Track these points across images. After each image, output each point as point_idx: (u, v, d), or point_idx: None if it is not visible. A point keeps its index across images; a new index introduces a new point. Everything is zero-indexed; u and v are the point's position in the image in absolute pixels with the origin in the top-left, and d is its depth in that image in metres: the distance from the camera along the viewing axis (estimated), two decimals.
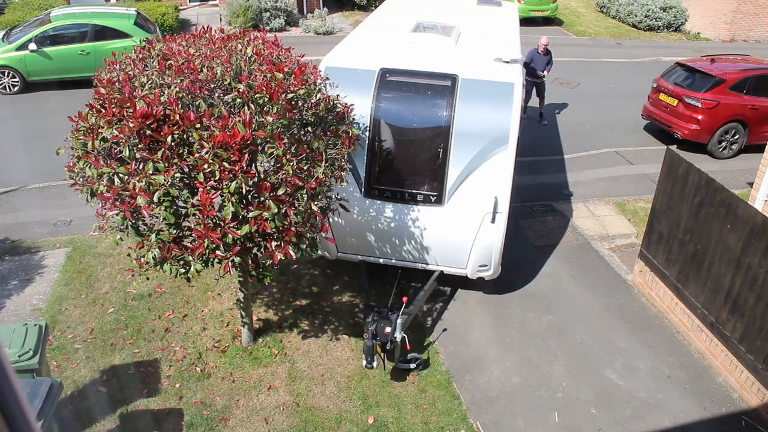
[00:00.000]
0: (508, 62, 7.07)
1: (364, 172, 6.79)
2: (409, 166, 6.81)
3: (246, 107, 4.84)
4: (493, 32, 8.66)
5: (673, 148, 10.34)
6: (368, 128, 6.70)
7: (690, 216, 6.88)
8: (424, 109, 6.72)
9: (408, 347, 6.23)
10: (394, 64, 6.92)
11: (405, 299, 6.50)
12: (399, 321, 6.13)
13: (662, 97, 12.20)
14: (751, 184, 9.16)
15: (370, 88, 6.73)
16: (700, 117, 11.52)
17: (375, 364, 6.13)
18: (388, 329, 6.14)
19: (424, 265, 7.17)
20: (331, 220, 6.55)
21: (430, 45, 7.60)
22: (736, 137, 11.84)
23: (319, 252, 6.84)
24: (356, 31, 8.57)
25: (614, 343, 7.00)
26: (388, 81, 6.79)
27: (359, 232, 7.00)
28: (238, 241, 4.65)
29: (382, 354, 6.30)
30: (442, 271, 7.20)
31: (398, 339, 6.11)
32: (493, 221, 6.66)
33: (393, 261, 7.22)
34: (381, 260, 7.23)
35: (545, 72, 12.53)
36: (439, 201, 6.74)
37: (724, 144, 11.89)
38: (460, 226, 6.77)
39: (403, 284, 7.66)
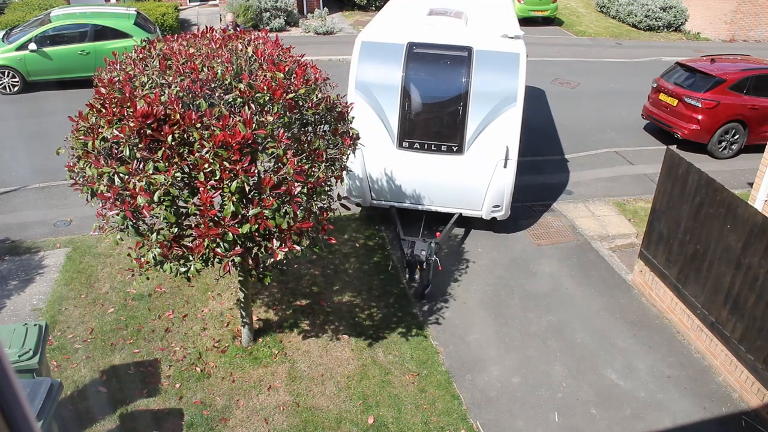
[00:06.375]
0: (512, 38, 8.37)
1: (397, 128, 8.08)
2: (435, 121, 8.20)
3: (246, 107, 4.84)
4: (494, 17, 9.96)
5: (673, 148, 10.34)
6: (399, 91, 7.99)
7: (690, 216, 6.88)
8: (446, 75, 8.09)
9: (440, 268, 7.54)
10: (418, 40, 8.20)
11: (438, 234, 7.90)
12: (432, 245, 7.37)
13: (662, 97, 12.20)
14: (751, 184, 9.16)
15: (400, 59, 8.05)
16: (700, 117, 11.51)
17: (417, 277, 7.39)
18: (424, 252, 7.31)
19: (446, 209, 8.44)
20: (367, 172, 8.25)
21: (445, 25, 8.77)
22: (736, 137, 11.84)
23: (353, 200, 8.18)
24: (377, 17, 9.78)
25: (614, 343, 7.00)
26: (415, 52, 8.10)
27: (392, 180, 8.32)
28: (239, 240, 4.64)
29: (417, 272, 7.38)
30: (460, 214, 8.45)
31: (432, 260, 7.30)
32: (505, 167, 8.02)
33: (420, 206, 8.49)
34: (410, 205, 8.47)
35: None
36: (459, 150, 8.08)
37: (724, 144, 11.88)
38: (477, 172, 8.10)
39: (426, 232, 8.50)
